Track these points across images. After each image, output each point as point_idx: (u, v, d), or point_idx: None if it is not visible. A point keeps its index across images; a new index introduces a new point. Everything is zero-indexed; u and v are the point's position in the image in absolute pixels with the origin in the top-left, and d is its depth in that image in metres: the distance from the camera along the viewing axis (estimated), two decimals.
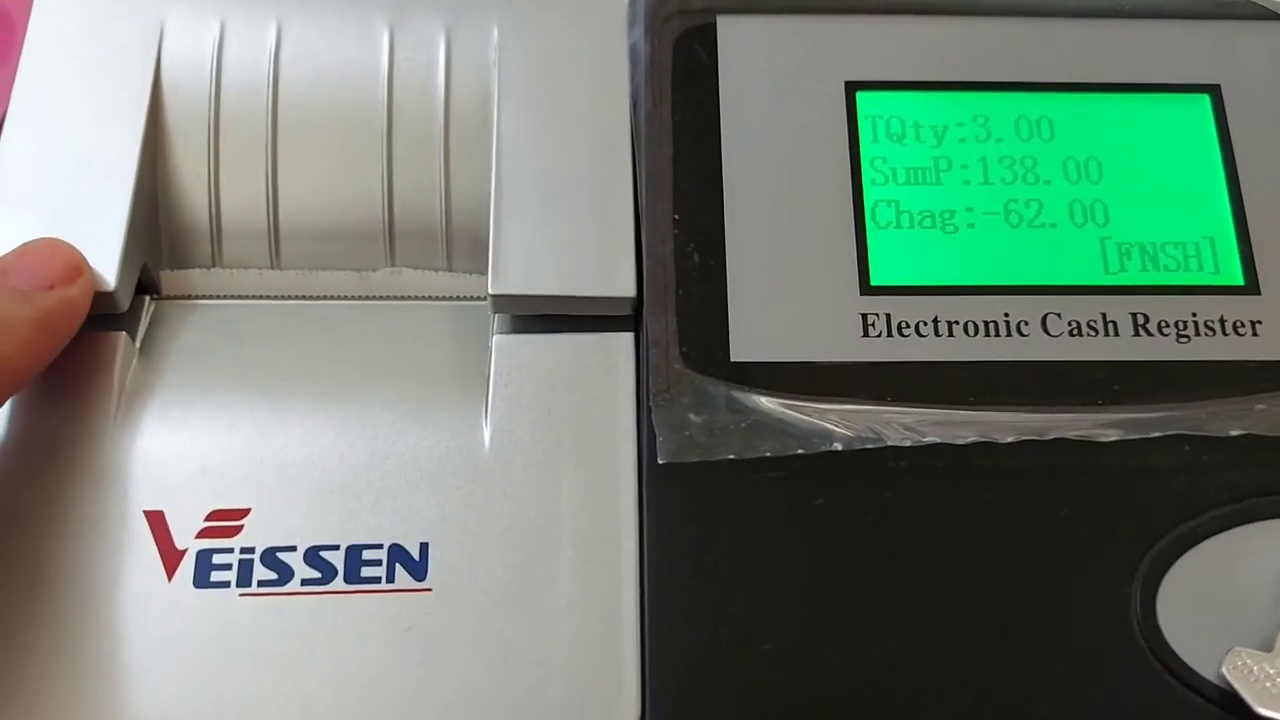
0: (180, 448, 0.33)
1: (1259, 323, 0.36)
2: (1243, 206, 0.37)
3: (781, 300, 0.35)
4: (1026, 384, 0.35)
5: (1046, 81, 0.39)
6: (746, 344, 0.35)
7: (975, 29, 0.39)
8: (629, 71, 0.38)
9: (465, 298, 0.37)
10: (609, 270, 0.35)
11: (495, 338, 0.35)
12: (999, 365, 0.35)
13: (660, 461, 0.33)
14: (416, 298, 0.37)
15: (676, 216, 0.36)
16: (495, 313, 0.35)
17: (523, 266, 0.35)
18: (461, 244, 0.37)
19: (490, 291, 0.34)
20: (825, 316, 0.35)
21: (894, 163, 0.37)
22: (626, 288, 0.35)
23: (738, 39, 0.38)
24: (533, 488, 0.33)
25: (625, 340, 0.35)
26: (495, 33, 0.38)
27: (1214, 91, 0.39)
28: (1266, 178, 0.38)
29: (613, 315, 0.35)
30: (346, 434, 0.33)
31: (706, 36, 0.38)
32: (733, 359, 0.35)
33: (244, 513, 0.32)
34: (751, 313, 0.35)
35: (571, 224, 0.35)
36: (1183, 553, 0.33)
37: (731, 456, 0.33)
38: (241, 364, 0.35)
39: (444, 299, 0.37)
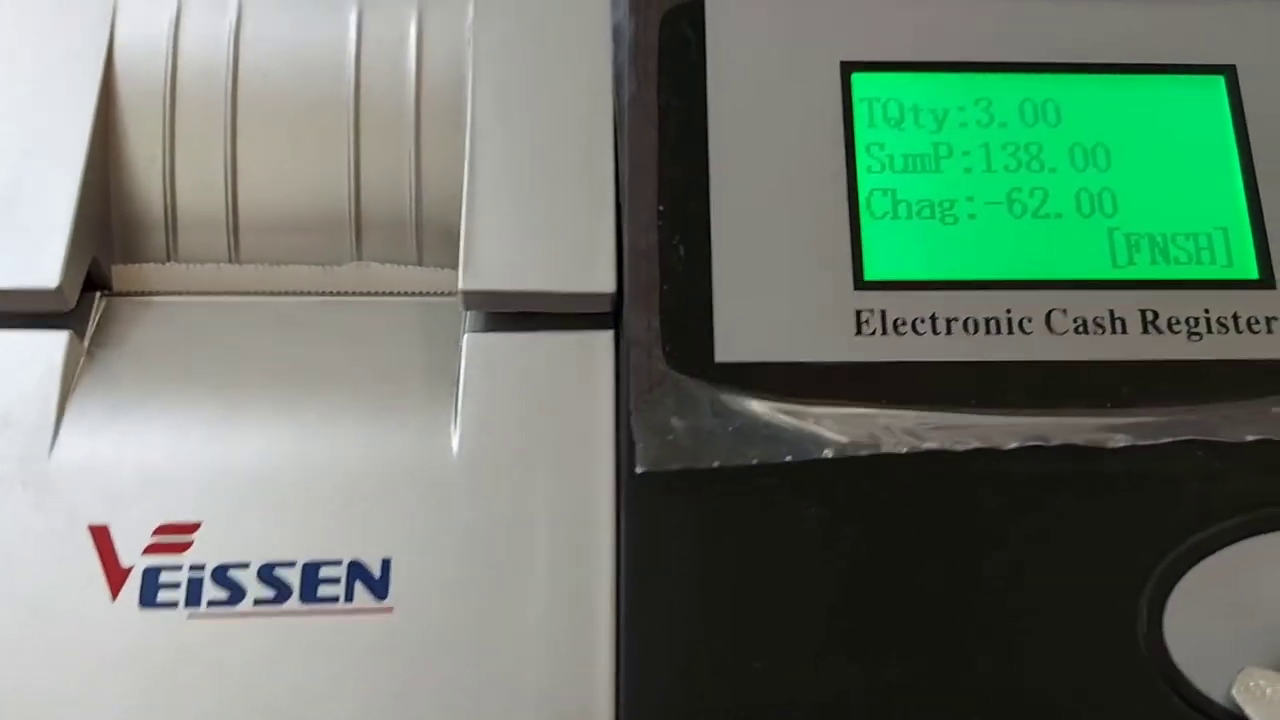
0: (128, 456, 0.31)
1: (1274, 319, 0.34)
2: (1258, 195, 0.35)
3: (770, 296, 0.34)
4: (1030, 385, 0.33)
5: (1053, 62, 0.36)
6: (733, 343, 0.33)
7: (978, 6, 0.37)
8: (612, 52, 0.36)
9: (437, 293, 0.35)
10: (587, 264, 0.33)
11: (466, 336, 0.33)
12: (1001, 365, 0.33)
13: (639, 470, 0.31)
14: (385, 293, 0.35)
15: (661, 207, 0.34)
16: (466, 309, 0.33)
17: (496, 260, 0.33)
18: (433, 236, 0.35)
19: (461, 287, 0.32)
20: (816, 313, 0.33)
21: (891, 149, 0.35)
22: (606, 283, 0.33)
23: (727, 17, 0.36)
24: (503, 497, 0.31)
25: (605, 339, 0.33)
26: (470, 9, 0.36)
27: (1229, 73, 0.36)
28: None
29: (592, 313, 0.33)
30: (306, 440, 0.31)
31: (694, 14, 0.36)
32: (718, 359, 0.33)
33: (194, 526, 0.30)
34: (738, 310, 0.33)
35: (548, 215, 0.33)
36: (1192, 566, 0.31)
37: (716, 464, 0.31)
38: (196, 365, 0.33)
39: (414, 295, 0.35)
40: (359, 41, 0.36)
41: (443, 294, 0.35)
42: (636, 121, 0.35)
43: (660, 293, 0.33)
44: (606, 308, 0.33)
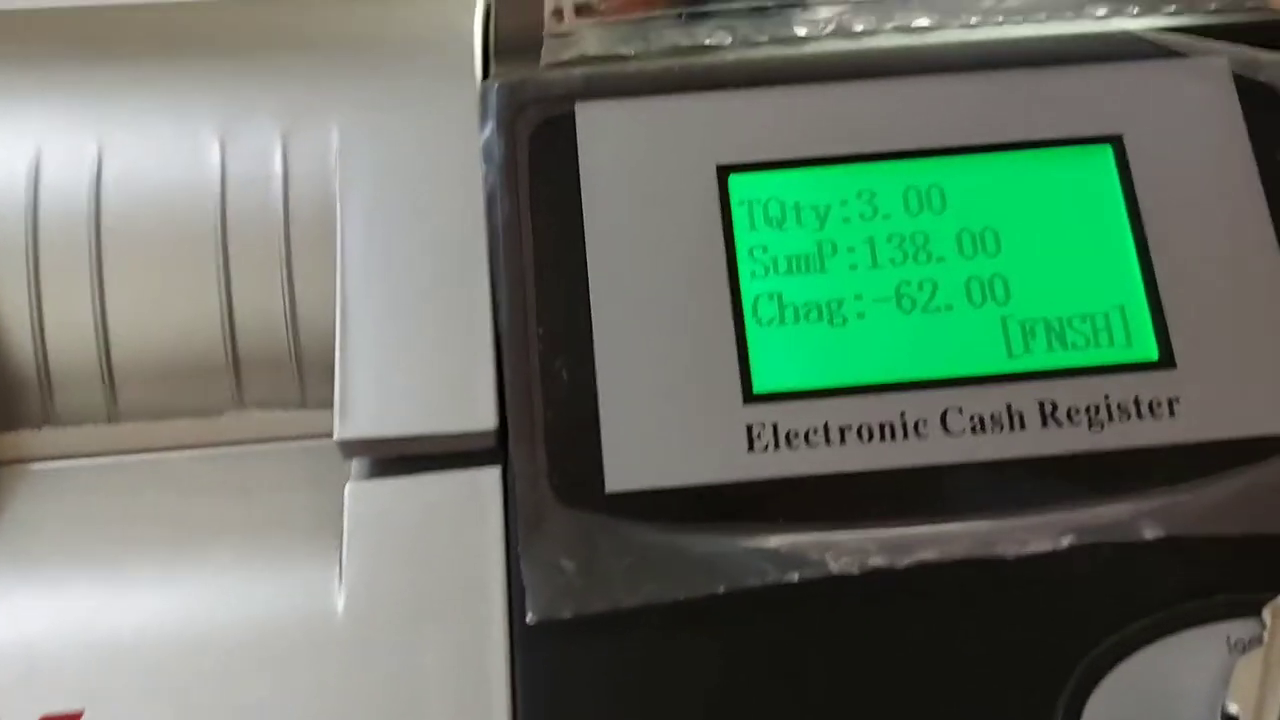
0: (6, 643, 0.30)
1: (1176, 400, 0.33)
2: (1153, 268, 0.34)
3: (659, 417, 0.33)
4: (926, 493, 0.32)
5: (935, 147, 0.36)
6: (623, 470, 0.32)
7: (855, 94, 0.36)
8: (483, 172, 0.35)
9: (322, 435, 0.34)
10: (467, 401, 0.32)
11: (348, 485, 0.32)
12: (896, 474, 0.32)
13: (530, 619, 0.30)
14: (270, 439, 0.34)
15: (540, 331, 0.33)
16: (346, 458, 0.32)
17: (372, 406, 0.32)
18: (314, 371, 0.35)
19: (336, 437, 0.32)
20: (707, 432, 0.33)
21: (774, 251, 0.34)
22: (487, 419, 0.32)
23: (599, 127, 0.35)
24: (391, 659, 0.30)
25: (492, 476, 0.32)
26: (335, 137, 0.35)
27: (1116, 142, 0.36)
28: (1177, 233, 0.35)
29: (477, 449, 0.32)
30: (188, 611, 0.30)
31: (564, 128, 0.35)
32: (608, 489, 0.32)
33: (77, 715, 0.29)
34: (627, 434, 0.32)
35: (425, 351, 0.33)
36: (1107, 672, 0.30)
37: (609, 608, 0.30)
38: (74, 537, 0.32)
39: (300, 438, 0.34)
40: (223, 177, 0.35)
41: (327, 435, 0.34)
42: (511, 243, 0.34)
43: (545, 422, 0.33)
44: (491, 444, 0.32)
